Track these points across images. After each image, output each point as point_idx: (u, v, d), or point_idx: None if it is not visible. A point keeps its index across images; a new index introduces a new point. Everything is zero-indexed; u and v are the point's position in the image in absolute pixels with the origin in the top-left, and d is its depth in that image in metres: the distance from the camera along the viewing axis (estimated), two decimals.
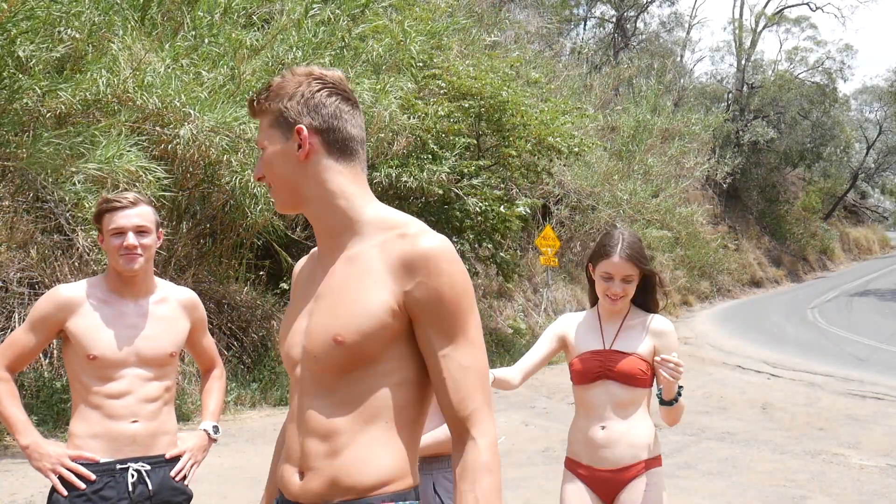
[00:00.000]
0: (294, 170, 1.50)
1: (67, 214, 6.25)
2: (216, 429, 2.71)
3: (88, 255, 6.53)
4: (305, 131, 1.48)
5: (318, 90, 1.51)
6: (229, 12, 8.02)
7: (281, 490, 1.55)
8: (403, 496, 1.47)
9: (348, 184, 1.50)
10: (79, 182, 6.03)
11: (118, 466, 2.47)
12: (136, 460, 2.48)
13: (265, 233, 9.10)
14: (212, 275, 8.67)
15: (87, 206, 6.00)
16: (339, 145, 1.50)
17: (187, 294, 2.64)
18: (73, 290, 2.49)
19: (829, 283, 27.66)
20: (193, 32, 7.69)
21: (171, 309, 2.57)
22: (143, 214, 2.46)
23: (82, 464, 2.49)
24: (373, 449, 1.45)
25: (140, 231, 2.43)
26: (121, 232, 2.41)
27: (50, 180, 6.02)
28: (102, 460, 2.48)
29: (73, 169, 6.03)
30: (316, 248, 1.64)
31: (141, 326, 2.49)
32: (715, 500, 5.39)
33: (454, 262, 1.44)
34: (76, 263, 7.18)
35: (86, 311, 2.46)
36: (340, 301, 1.46)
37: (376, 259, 1.46)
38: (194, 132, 6.60)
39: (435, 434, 2.43)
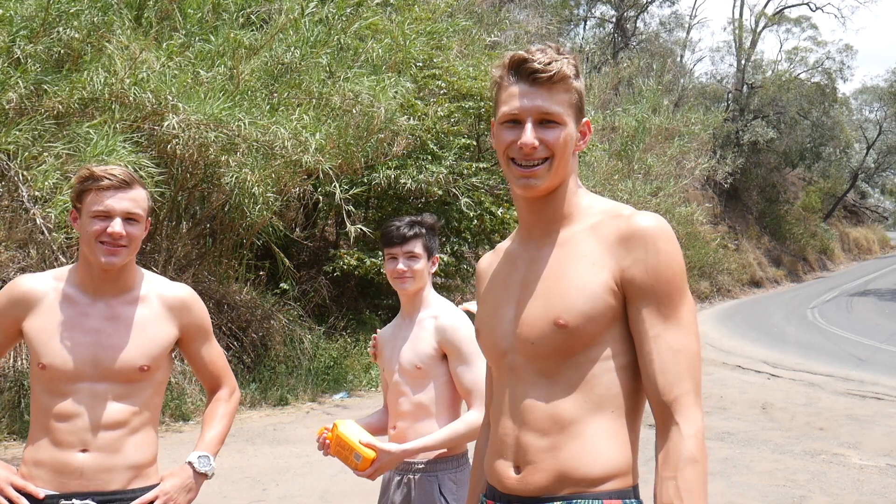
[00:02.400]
0: (570, 157, 1.49)
1: (30, 194, 6.02)
2: (205, 460, 2.10)
3: (43, 234, 6.21)
4: (587, 127, 1.52)
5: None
6: (220, 9, 8.01)
7: (493, 485, 1.51)
8: (626, 494, 1.42)
9: (576, 173, 1.55)
10: (48, 163, 5.94)
11: (62, 502, 1.94)
12: (83, 496, 1.93)
13: (264, 233, 9.11)
14: (212, 275, 8.67)
15: (48, 184, 5.81)
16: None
17: (177, 292, 2.14)
18: (33, 283, 2.04)
19: (829, 283, 27.66)
20: (184, 30, 7.69)
21: (151, 310, 2.07)
22: (137, 199, 2.07)
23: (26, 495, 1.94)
24: (601, 439, 1.41)
25: (129, 218, 2.04)
26: (106, 215, 1.98)
27: (17, 163, 5.98)
28: (44, 493, 1.94)
29: (40, 149, 5.99)
30: (504, 243, 1.66)
31: (105, 331, 1.99)
32: (715, 500, 5.38)
33: (672, 241, 1.42)
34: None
35: (44, 308, 2.00)
36: (557, 284, 1.45)
37: (591, 241, 1.45)
38: (182, 125, 6.58)
39: (455, 426, 2.38)
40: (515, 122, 1.45)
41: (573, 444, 1.41)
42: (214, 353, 2.22)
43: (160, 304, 2.09)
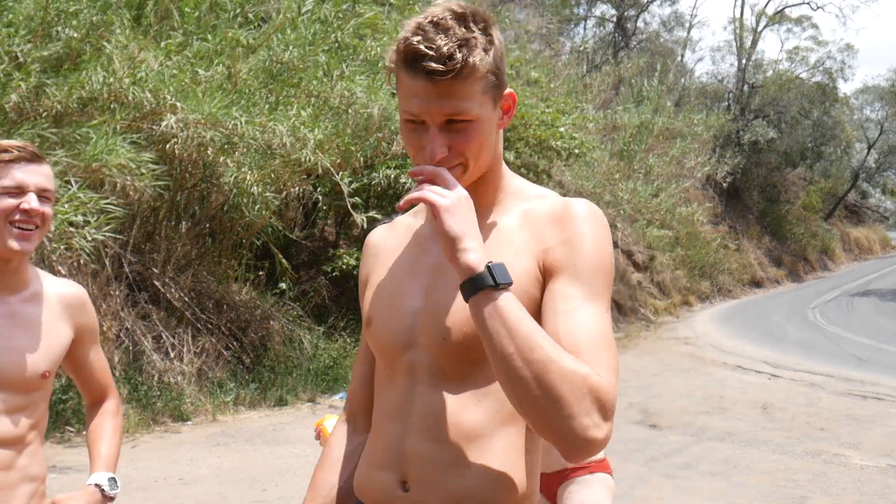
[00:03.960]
0: (491, 138, 1.27)
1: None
2: (114, 483, 1.82)
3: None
4: (510, 99, 1.29)
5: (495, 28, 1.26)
6: (218, 8, 8.00)
7: (364, 501, 1.31)
8: None
9: (501, 152, 1.35)
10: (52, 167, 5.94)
11: None
12: None
13: (264, 233, 9.10)
14: (211, 275, 8.66)
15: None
16: None
17: (73, 289, 1.87)
18: None
19: (829, 283, 27.64)
20: (182, 29, 7.69)
21: (49, 309, 1.80)
22: (49, 175, 1.74)
23: None
24: (511, 456, 1.23)
25: (43, 196, 1.71)
26: (19, 191, 1.67)
27: None
28: None
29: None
30: (405, 219, 1.44)
31: (3, 334, 1.71)
32: (715, 500, 5.37)
33: (604, 227, 1.25)
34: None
35: None
36: None
37: (517, 227, 1.29)
38: (179, 124, 6.57)
39: None
40: (418, 122, 1.23)
41: (480, 460, 1.21)
42: (102, 360, 1.97)
43: (57, 303, 1.82)
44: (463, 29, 1.19)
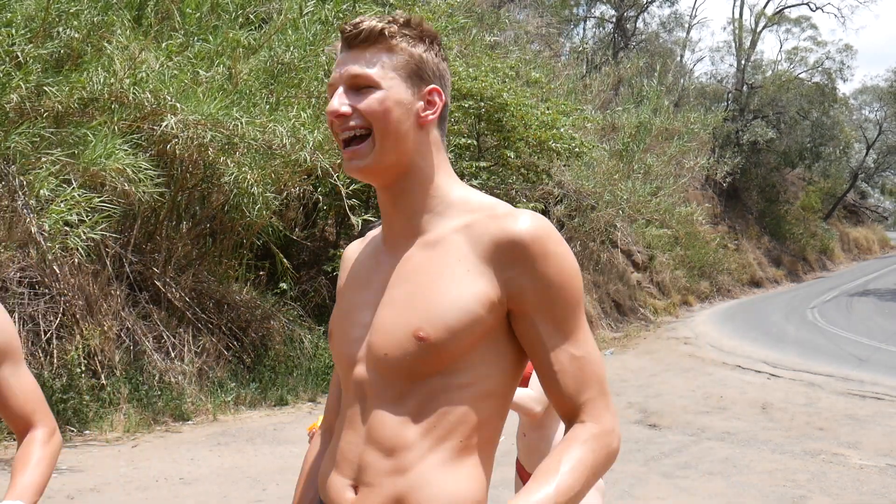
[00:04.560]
0: (408, 131, 1.26)
1: (26, 201, 5.97)
2: None
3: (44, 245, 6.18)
4: (437, 95, 1.30)
5: (443, 51, 1.33)
6: (219, 9, 8.01)
7: (325, 501, 1.35)
8: None
9: (445, 161, 1.33)
10: (45, 168, 5.92)
11: None
12: None
13: (264, 233, 9.11)
14: (212, 275, 8.67)
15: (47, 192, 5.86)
16: (445, 117, 1.33)
17: None
18: None
19: (828, 283, 27.65)
20: (183, 30, 7.69)
21: None
22: None
23: None
24: (443, 472, 1.24)
25: None
26: None
27: (15, 168, 5.97)
28: None
29: (38, 156, 5.97)
30: (373, 232, 1.45)
31: None
32: (715, 500, 5.38)
33: (559, 243, 1.23)
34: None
35: None
36: (422, 291, 1.24)
37: (464, 243, 1.25)
38: (179, 125, 6.58)
39: None
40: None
41: (413, 473, 1.23)
42: (26, 382, 1.64)
43: None
44: (395, 24, 1.26)
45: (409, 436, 1.24)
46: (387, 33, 1.25)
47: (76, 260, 7.01)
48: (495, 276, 1.22)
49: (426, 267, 1.26)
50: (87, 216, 5.85)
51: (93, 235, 5.94)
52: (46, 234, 5.87)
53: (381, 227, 1.41)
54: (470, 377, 1.24)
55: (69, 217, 5.73)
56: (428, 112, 1.28)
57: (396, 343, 1.24)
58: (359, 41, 1.25)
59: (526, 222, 1.22)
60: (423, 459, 1.24)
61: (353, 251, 1.47)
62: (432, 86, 1.29)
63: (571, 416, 1.25)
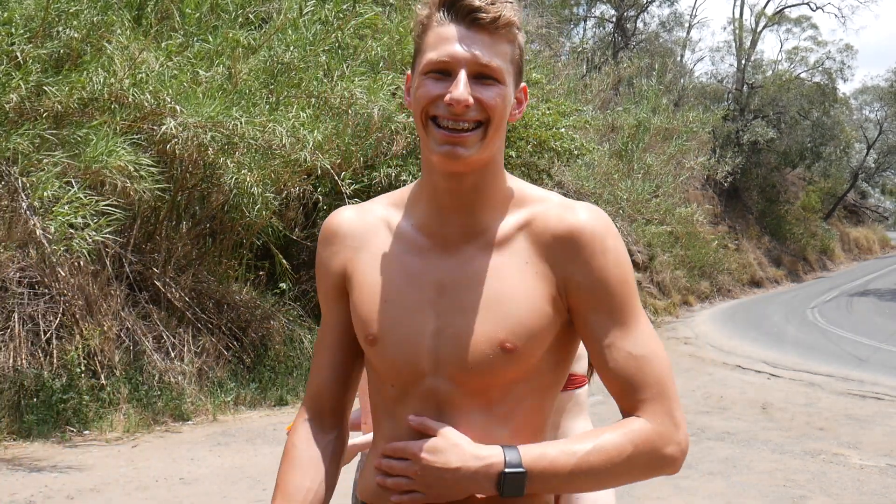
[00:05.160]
0: (506, 120, 1.20)
1: (31, 202, 5.95)
2: None
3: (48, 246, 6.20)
4: (524, 94, 1.25)
5: None
6: (218, 9, 8.01)
7: None
8: None
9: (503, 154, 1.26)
10: (47, 169, 5.90)
11: None
12: None
13: (264, 233, 9.11)
14: (212, 275, 8.67)
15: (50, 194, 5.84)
16: None
17: None
18: None
19: (829, 282, 27.65)
20: (183, 30, 7.70)
21: None
22: None
23: None
24: (538, 496, 1.20)
25: None
26: None
27: (17, 169, 5.96)
28: None
29: (40, 157, 5.96)
30: (377, 208, 1.32)
31: None
32: (715, 500, 5.38)
33: (617, 237, 1.21)
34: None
35: None
36: (498, 297, 1.19)
37: (528, 243, 1.21)
38: (179, 127, 6.58)
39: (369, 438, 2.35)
40: (444, 73, 1.15)
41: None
42: None
43: None
44: (517, 13, 1.19)
45: (502, 440, 1.18)
46: (516, 23, 1.17)
47: (76, 260, 7.02)
48: (555, 273, 1.19)
49: (495, 269, 1.20)
50: (91, 219, 5.85)
51: (98, 238, 5.94)
52: (51, 237, 5.86)
53: (384, 205, 1.32)
54: (541, 372, 1.22)
55: (74, 220, 5.72)
56: (517, 112, 1.24)
57: (481, 355, 1.17)
58: (487, 23, 1.14)
59: (584, 216, 1.20)
60: None
61: (355, 224, 1.32)
62: (524, 84, 1.24)
63: (628, 414, 1.21)
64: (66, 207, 5.73)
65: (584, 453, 1.14)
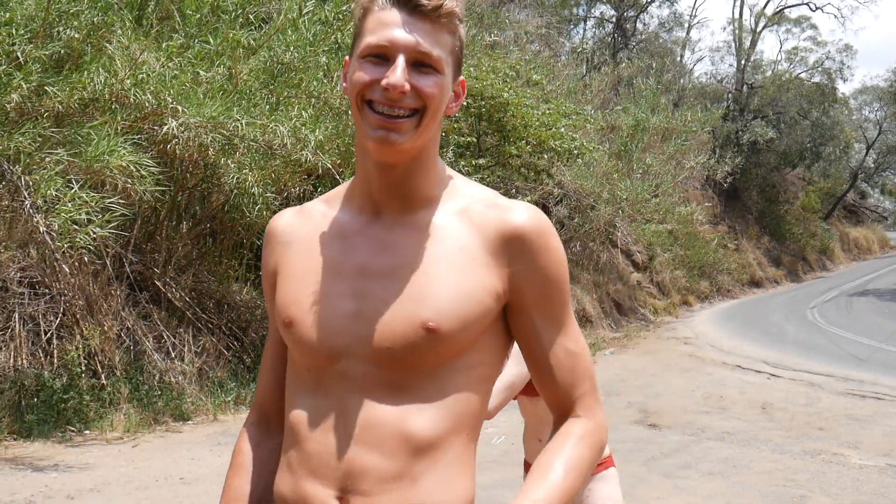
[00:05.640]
0: (441, 112, 1.19)
1: (33, 201, 5.95)
2: None
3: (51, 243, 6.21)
4: (462, 88, 1.25)
5: None
6: (219, 10, 8.02)
7: None
8: None
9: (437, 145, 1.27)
10: (49, 168, 5.90)
11: None
12: None
13: (264, 233, 9.11)
14: (212, 274, 8.68)
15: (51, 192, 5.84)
16: None
17: None
18: None
19: (828, 283, 27.66)
20: (184, 31, 7.70)
21: None
22: None
23: None
24: (458, 467, 1.18)
25: None
26: None
27: (20, 168, 5.97)
28: None
29: (42, 156, 5.96)
30: (315, 205, 1.33)
31: None
32: (715, 500, 5.39)
33: (556, 237, 1.23)
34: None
35: None
36: (426, 280, 1.17)
37: (464, 232, 1.20)
38: (180, 128, 6.58)
39: None
40: (382, 57, 1.13)
41: (429, 474, 1.14)
42: None
43: None
44: (461, 2, 1.18)
45: (419, 431, 1.15)
46: (458, 14, 1.16)
47: (77, 260, 7.02)
48: (500, 269, 1.19)
49: (427, 254, 1.19)
50: (94, 216, 5.86)
51: (103, 234, 5.95)
52: (55, 234, 5.88)
53: (321, 201, 1.32)
54: (473, 360, 1.20)
55: (78, 216, 5.73)
56: (454, 105, 1.23)
57: (402, 335, 1.15)
58: (429, 10, 1.13)
59: (528, 215, 1.21)
60: (440, 457, 1.16)
61: (287, 222, 1.32)
62: (462, 77, 1.24)
63: (565, 410, 1.24)
64: (70, 205, 5.74)
65: (562, 480, 1.15)
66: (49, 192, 5.72)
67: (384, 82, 1.11)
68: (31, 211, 5.82)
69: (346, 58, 1.22)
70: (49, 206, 5.86)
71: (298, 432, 1.21)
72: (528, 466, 2.82)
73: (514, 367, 2.34)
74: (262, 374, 1.39)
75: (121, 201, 6.23)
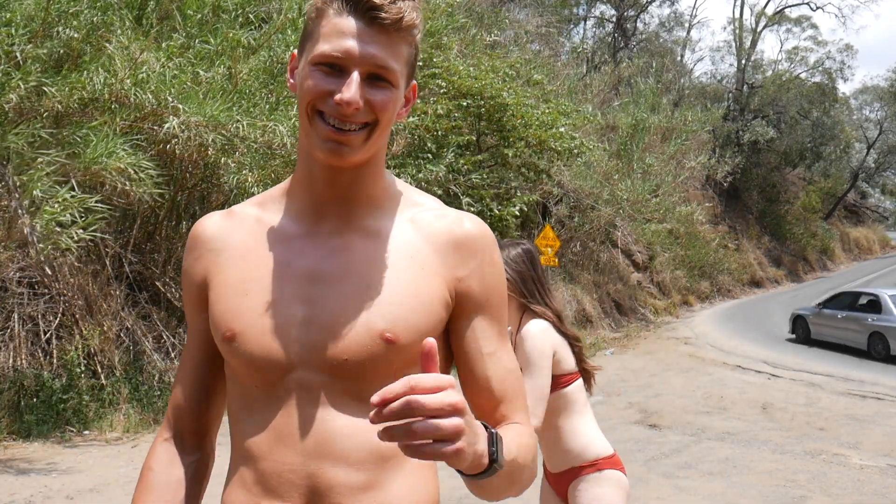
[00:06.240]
0: (393, 120, 1.16)
1: (20, 202, 5.92)
2: None
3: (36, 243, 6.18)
4: (413, 93, 1.21)
5: None
6: (220, 11, 8.02)
7: None
8: None
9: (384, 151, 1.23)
10: (40, 168, 5.87)
11: None
12: None
13: None
14: None
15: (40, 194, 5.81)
16: None
17: None
18: None
19: (829, 283, 27.63)
20: (184, 31, 7.70)
21: None
22: None
23: None
24: (421, 469, 1.16)
25: None
26: None
27: (11, 168, 5.96)
28: None
29: (34, 156, 5.94)
30: (246, 208, 1.25)
31: None
32: (715, 500, 5.38)
33: (497, 248, 1.23)
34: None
35: None
36: (378, 287, 1.13)
37: (415, 239, 1.18)
38: (181, 127, 6.58)
39: None
40: (335, 67, 1.08)
41: (396, 480, 1.12)
42: None
43: None
44: (419, 12, 1.13)
45: (383, 442, 1.08)
46: (417, 25, 1.12)
47: (75, 260, 7.01)
48: (448, 276, 1.17)
49: (375, 260, 1.15)
50: (80, 217, 5.83)
51: (84, 236, 5.92)
52: (39, 235, 5.85)
53: (252, 204, 1.25)
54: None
55: (62, 218, 5.70)
56: (404, 110, 1.19)
57: (358, 345, 1.10)
58: (388, 24, 1.08)
59: (475, 225, 1.20)
60: (401, 466, 1.13)
61: (217, 228, 1.24)
62: (414, 82, 1.19)
63: (497, 420, 1.19)
64: (56, 206, 5.71)
65: (517, 447, 1.09)
66: (35, 192, 5.70)
67: (338, 97, 1.07)
68: (18, 212, 5.80)
69: (294, 51, 1.17)
70: (37, 207, 5.85)
71: (251, 452, 1.14)
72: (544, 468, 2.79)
73: (529, 381, 2.36)
74: (177, 389, 1.29)
75: (119, 201, 6.22)
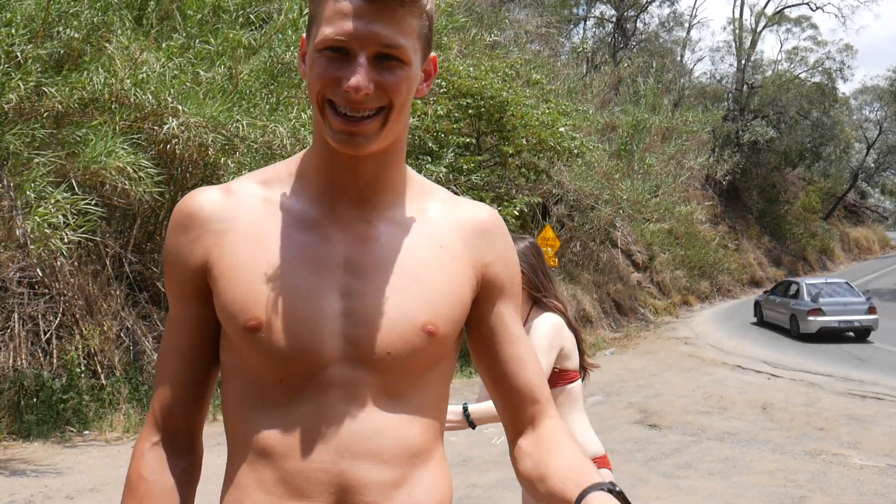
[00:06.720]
0: (411, 100, 1.08)
1: (12, 203, 5.89)
2: None
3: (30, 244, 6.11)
4: (433, 65, 1.13)
5: None
6: (220, 11, 8.02)
7: None
8: None
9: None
10: (38, 169, 5.86)
11: None
12: None
13: None
14: None
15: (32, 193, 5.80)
16: None
17: None
18: None
19: None
20: (184, 31, 7.70)
21: None
22: None
23: None
24: (443, 467, 1.15)
25: None
26: None
27: (6, 169, 5.95)
28: None
29: (31, 157, 5.93)
30: (245, 186, 1.14)
31: None
32: (715, 500, 5.38)
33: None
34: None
35: None
36: (417, 278, 1.09)
37: (443, 227, 1.15)
38: (181, 127, 6.57)
39: None
40: (341, 51, 1.01)
41: (424, 475, 1.10)
42: None
43: None
44: None
45: (415, 438, 1.09)
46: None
47: (75, 260, 7.01)
48: (476, 263, 1.15)
49: (411, 251, 1.11)
50: (74, 218, 5.80)
51: (74, 238, 5.89)
52: (31, 236, 5.83)
53: (255, 183, 1.15)
54: (449, 364, 1.16)
55: (53, 219, 5.66)
56: (424, 86, 1.11)
57: (401, 339, 1.06)
58: None
59: (492, 213, 1.21)
60: (430, 462, 1.11)
61: (220, 205, 1.12)
62: (433, 54, 1.11)
63: (531, 410, 1.16)
64: (50, 207, 5.69)
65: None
66: (29, 193, 5.70)
67: (346, 84, 1.00)
68: (12, 213, 5.79)
69: (304, 35, 1.09)
70: (31, 208, 5.84)
71: (272, 451, 1.06)
72: None
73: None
74: (164, 385, 1.16)
75: (118, 202, 6.22)
